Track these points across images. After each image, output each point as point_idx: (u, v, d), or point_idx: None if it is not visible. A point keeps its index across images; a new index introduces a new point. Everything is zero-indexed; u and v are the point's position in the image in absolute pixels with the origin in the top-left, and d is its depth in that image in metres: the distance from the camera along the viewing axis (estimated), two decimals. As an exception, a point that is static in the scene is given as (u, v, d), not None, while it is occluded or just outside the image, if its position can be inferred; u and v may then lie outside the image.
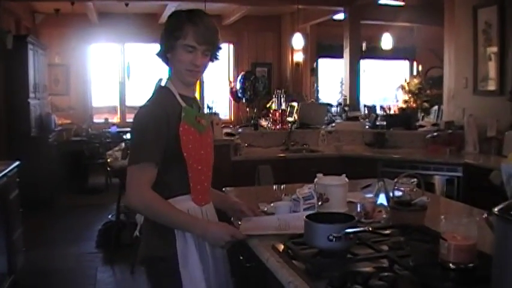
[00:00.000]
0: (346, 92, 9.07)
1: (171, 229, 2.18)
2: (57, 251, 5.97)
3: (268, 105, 8.02)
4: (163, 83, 2.31)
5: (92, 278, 5.16)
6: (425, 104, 8.57)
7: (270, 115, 7.30)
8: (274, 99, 7.33)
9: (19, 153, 5.83)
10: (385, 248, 2.06)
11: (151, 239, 2.25)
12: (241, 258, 2.47)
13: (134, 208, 2.17)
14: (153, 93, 2.31)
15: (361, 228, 2.07)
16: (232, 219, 2.72)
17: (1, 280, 4.24)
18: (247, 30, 11.77)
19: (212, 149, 2.46)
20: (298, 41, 9.47)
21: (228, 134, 6.19)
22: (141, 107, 2.23)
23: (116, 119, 11.23)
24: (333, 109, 8.97)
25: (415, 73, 11.69)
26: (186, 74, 2.27)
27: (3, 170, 4.40)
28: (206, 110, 7.02)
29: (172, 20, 2.29)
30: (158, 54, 2.34)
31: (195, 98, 2.46)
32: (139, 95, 11.35)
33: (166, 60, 2.33)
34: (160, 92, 2.29)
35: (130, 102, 11.28)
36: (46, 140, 8.17)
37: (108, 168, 6.53)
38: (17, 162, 4.81)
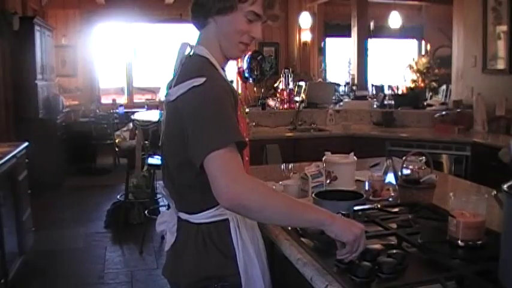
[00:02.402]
0: (354, 72, 9.03)
1: (229, 240, 1.79)
2: (66, 231, 6.01)
3: (275, 85, 8.00)
4: (198, 51, 1.81)
5: (101, 257, 5.20)
6: (434, 84, 8.51)
7: (278, 95, 7.30)
8: (281, 79, 7.31)
9: (27, 135, 5.84)
10: (394, 225, 2.06)
11: (205, 255, 1.79)
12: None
13: (243, 203, 1.56)
14: (189, 65, 1.79)
15: (370, 206, 2.07)
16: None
17: (12, 260, 4.27)
18: (254, 9, 11.71)
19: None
20: (305, 20, 9.41)
21: (235, 114, 6.18)
22: (195, 85, 1.65)
23: (123, 99, 11.23)
24: (341, 88, 8.93)
25: (423, 52, 11.62)
26: (237, 48, 1.83)
27: (12, 152, 4.41)
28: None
29: None
30: (198, 15, 1.83)
31: None
32: (147, 76, 11.36)
33: (204, 24, 1.84)
34: (203, 63, 1.77)
35: (137, 83, 11.28)
36: (54, 122, 8.19)
37: (116, 149, 6.55)
38: (26, 144, 4.83)
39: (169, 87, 1.81)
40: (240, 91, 11.76)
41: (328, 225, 1.61)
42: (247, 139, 1.84)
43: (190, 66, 1.76)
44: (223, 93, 1.67)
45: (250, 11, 1.75)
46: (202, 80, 1.64)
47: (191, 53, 1.83)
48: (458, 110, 5.96)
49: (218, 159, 1.57)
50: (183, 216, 1.85)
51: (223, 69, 1.84)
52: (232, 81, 1.76)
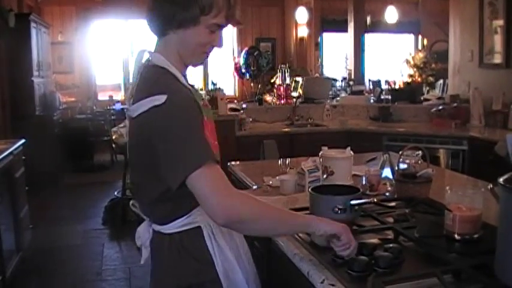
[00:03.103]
0: (351, 67, 9.03)
1: (204, 246, 1.74)
2: (64, 228, 6.00)
3: (272, 81, 8.00)
4: (156, 60, 1.73)
5: (98, 254, 5.20)
6: (430, 78, 8.51)
7: (275, 90, 7.29)
8: (278, 74, 7.31)
9: (24, 132, 5.83)
10: (391, 220, 2.06)
11: (180, 263, 1.76)
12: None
13: (238, 217, 1.56)
14: (148, 77, 1.72)
15: (366, 200, 2.07)
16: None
17: (9, 257, 4.27)
18: (250, 5, 11.66)
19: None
20: (302, 15, 9.41)
21: (232, 109, 6.18)
22: (156, 105, 1.58)
23: (120, 96, 11.21)
24: (338, 84, 8.93)
25: (420, 47, 11.61)
26: (198, 58, 1.78)
27: (9, 149, 4.40)
28: (211, 86, 7.01)
29: None
30: (156, 27, 1.75)
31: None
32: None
33: (163, 34, 1.75)
34: (162, 74, 1.70)
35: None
36: (51, 119, 8.16)
37: (113, 145, 6.55)
38: (22, 141, 4.82)
39: (129, 98, 1.75)
40: (236, 87, 11.79)
41: (316, 225, 1.65)
42: (216, 142, 1.81)
43: (149, 79, 1.70)
44: (187, 109, 1.62)
45: (213, 24, 1.70)
46: (162, 98, 1.58)
47: (149, 63, 1.75)
48: (455, 105, 5.96)
49: (202, 177, 1.55)
50: (156, 227, 1.82)
51: (184, 75, 1.77)
52: (193, 86, 1.79)
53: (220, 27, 1.74)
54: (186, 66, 1.79)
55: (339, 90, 8.44)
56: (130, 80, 1.81)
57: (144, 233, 1.91)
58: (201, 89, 6.99)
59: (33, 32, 7.73)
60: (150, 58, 1.75)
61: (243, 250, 1.85)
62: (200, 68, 11.84)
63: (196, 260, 1.74)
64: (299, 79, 7.41)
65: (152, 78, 1.69)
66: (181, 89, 1.67)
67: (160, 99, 1.58)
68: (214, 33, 1.73)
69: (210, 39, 1.73)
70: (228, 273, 1.75)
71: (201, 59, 1.79)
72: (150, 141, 1.62)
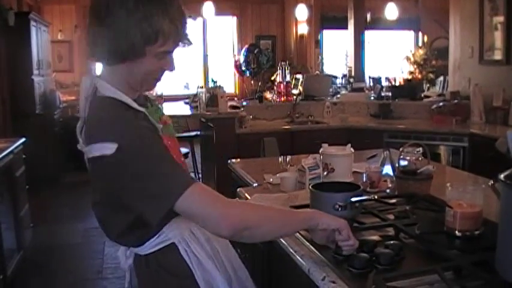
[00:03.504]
0: (351, 64, 9.02)
1: (182, 262, 1.69)
2: (65, 226, 6.00)
3: (272, 78, 7.99)
4: (103, 90, 1.60)
5: (99, 252, 5.20)
6: (431, 75, 8.51)
7: (275, 87, 7.28)
8: (278, 72, 7.30)
9: (24, 131, 5.83)
10: (391, 216, 2.06)
11: (162, 284, 1.72)
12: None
13: (244, 224, 1.54)
14: (96, 111, 1.60)
15: (367, 197, 2.07)
16: (238, 189, 2.73)
17: (10, 256, 4.27)
18: (250, 2, 11.68)
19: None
20: (302, 12, 9.40)
21: (233, 107, 6.18)
22: (106, 156, 1.49)
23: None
24: (338, 81, 8.92)
25: (420, 44, 11.60)
26: (150, 84, 1.69)
27: (9, 147, 4.40)
28: (211, 84, 7.00)
29: (139, 13, 1.50)
30: (97, 56, 1.62)
31: (145, 95, 1.80)
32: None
33: (107, 64, 1.63)
34: (111, 107, 1.58)
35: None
36: (51, 117, 8.16)
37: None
38: (23, 139, 4.81)
39: (79, 132, 1.67)
40: (237, 84, 11.79)
41: (318, 219, 1.62)
42: (181, 159, 1.77)
43: (99, 117, 1.58)
44: (144, 148, 1.52)
45: (162, 52, 1.57)
46: (113, 148, 1.47)
47: (97, 92, 1.62)
48: (456, 101, 5.96)
49: (193, 199, 1.51)
50: (133, 250, 1.77)
51: (135, 99, 1.64)
52: (151, 103, 1.75)
53: (170, 52, 1.62)
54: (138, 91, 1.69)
55: (339, 87, 8.43)
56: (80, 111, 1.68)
57: (121, 256, 1.86)
58: (201, 87, 6.97)
59: (33, 30, 7.72)
60: (97, 87, 1.62)
61: (227, 257, 1.80)
62: (200, 65, 11.87)
63: (175, 277, 1.70)
64: (299, 76, 7.40)
65: (102, 116, 1.57)
66: (132, 117, 1.56)
67: (110, 148, 1.48)
68: (164, 59, 1.61)
69: (159, 66, 1.62)
70: (212, 284, 1.70)
71: (152, 85, 1.70)
72: (113, 185, 1.57)
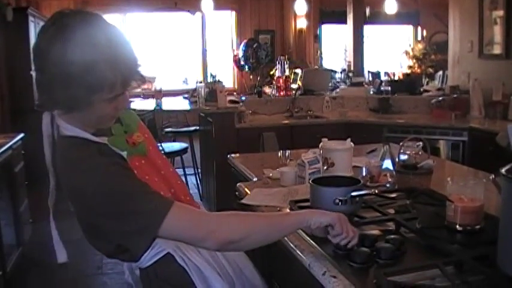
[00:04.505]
0: (350, 58, 9.01)
1: (180, 272, 1.68)
2: (64, 222, 5.94)
3: (271, 73, 7.98)
4: (64, 130, 1.61)
5: (99, 248, 5.20)
6: (430, 69, 8.52)
7: (274, 82, 7.28)
8: (277, 66, 7.29)
9: (23, 126, 5.79)
10: (392, 211, 2.06)
11: None
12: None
13: (229, 238, 1.56)
14: (62, 154, 1.63)
15: (367, 192, 2.06)
16: (238, 184, 2.72)
17: (10, 252, 4.27)
18: (250, -3, 11.68)
19: (163, 156, 1.86)
20: (301, 7, 9.38)
21: (232, 102, 6.17)
22: (84, 177, 1.53)
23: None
24: (337, 75, 8.91)
25: (419, 38, 11.60)
26: (108, 122, 1.63)
27: (8, 143, 4.40)
28: (210, 79, 6.99)
29: (81, 63, 1.42)
30: (45, 104, 1.60)
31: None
32: (142, 65, 11.31)
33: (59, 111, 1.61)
34: (77, 149, 1.57)
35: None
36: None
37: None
38: (22, 135, 4.81)
39: (49, 167, 1.70)
40: (236, 79, 11.78)
41: (309, 218, 1.62)
42: (158, 176, 1.71)
43: (63, 160, 1.62)
44: (111, 183, 1.51)
45: (111, 98, 1.51)
46: (84, 192, 1.53)
47: (59, 133, 1.63)
48: (455, 96, 5.95)
49: (174, 224, 1.51)
50: (133, 264, 1.76)
51: (95, 133, 1.60)
52: (121, 119, 1.72)
53: (122, 93, 1.54)
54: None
55: (338, 82, 8.42)
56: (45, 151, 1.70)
57: (125, 268, 1.86)
58: (200, 82, 6.96)
59: (31, 25, 7.69)
60: (58, 124, 1.61)
61: (228, 260, 1.80)
62: (199, 60, 11.85)
63: (175, 287, 1.70)
64: (298, 71, 7.39)
65: (67, 160, 1.60)
66: (96, 169, 1.53)
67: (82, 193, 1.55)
68: (115, 101, 1.53)
69: (112, 108, 1.55)
70: None
71: (109, 122, 1.64)
72: (92, 223, 1.62)
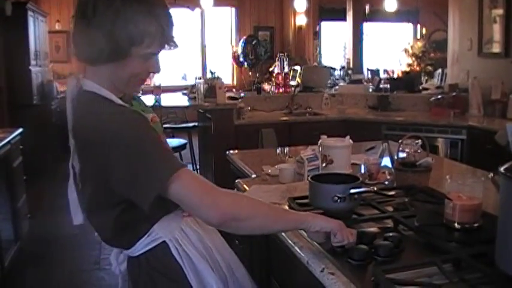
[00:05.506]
0: (349, 56, 9.01)
1: (173, 263, 1.68)
2: (62, 217, 5.97)
3: (270, 69, 7.98)
4: (86, 86, 1.62)
5: (96, 243, 5.18)
6: (429, 67, 8.51)
7: (273, 79, 7.27)
8: (276, 63, 7.29)
9: (22, 121, 5.82)
10: (390, 208, 2.06)
11: (155, 283, 1.70)
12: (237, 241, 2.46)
13: (234, 213, 1.55)
14: (83, 107, 1.62)
15: (366, 189, 2.06)
16: (237, 181, 2.72)
17: (7, 247, 4.27)
18: (249, -7, 11.67)
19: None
20: (300, 3, 9.38)
21: (231, 98, 6.17)
22: (106, 124, 1.53)
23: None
24: (336, 72, 8.92)
25: (418, 36, 11.60)
26: (135, 86, 1.69)
27: (6, 138, 4.39)
28: (209, 75, 6.99)
29: (126, 14, 1.50)
30: (81, 55, 1.61)
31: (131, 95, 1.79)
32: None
33: (91, 64, 1.62)
34: (98, 102, 1.59)
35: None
36: (48, 108, 8.15)
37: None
38: (20, 130, 4.81)
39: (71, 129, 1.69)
40: (235, 76, 11.77)
41: (311, 221, 1.62)
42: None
43: (84, 108, 1.61)
44: (134, 128, 1.53)
45: (148, 53, 1.57)
46: (104, 134, 1.51)
47: (81, 89, 1.63)
48: (454, 94, 5.95)
49: (185, 184, 1.51)
50: (126, 252, 1.76)
51: (120, 97, 1.64)
52: (137, 99, 1.81)
53: (155, 54, 1.61)
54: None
55: (337, 79, 8.43)
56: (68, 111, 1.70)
57: (113, 260, 1.85)
58: (200, 78, 6.96)
59: (31, 20, 7.69)
60: (82, 85, 1.63)
61: (222, 256, 1.79)
62: (198, 56, 11.84)
63: (168, 279, 1.68)
64: (297, 68, 7.39)
65: (89, 107, 1.60)
66: (121, 114, 1.56)
67: (102, 135, 1.52)
68: (149, 61, 1.60)
69: (145, 68, 1.61)
70: (205, 285, 1.69)
71: (137, 87, 1.71)
72: (102, 173, 1.55)
